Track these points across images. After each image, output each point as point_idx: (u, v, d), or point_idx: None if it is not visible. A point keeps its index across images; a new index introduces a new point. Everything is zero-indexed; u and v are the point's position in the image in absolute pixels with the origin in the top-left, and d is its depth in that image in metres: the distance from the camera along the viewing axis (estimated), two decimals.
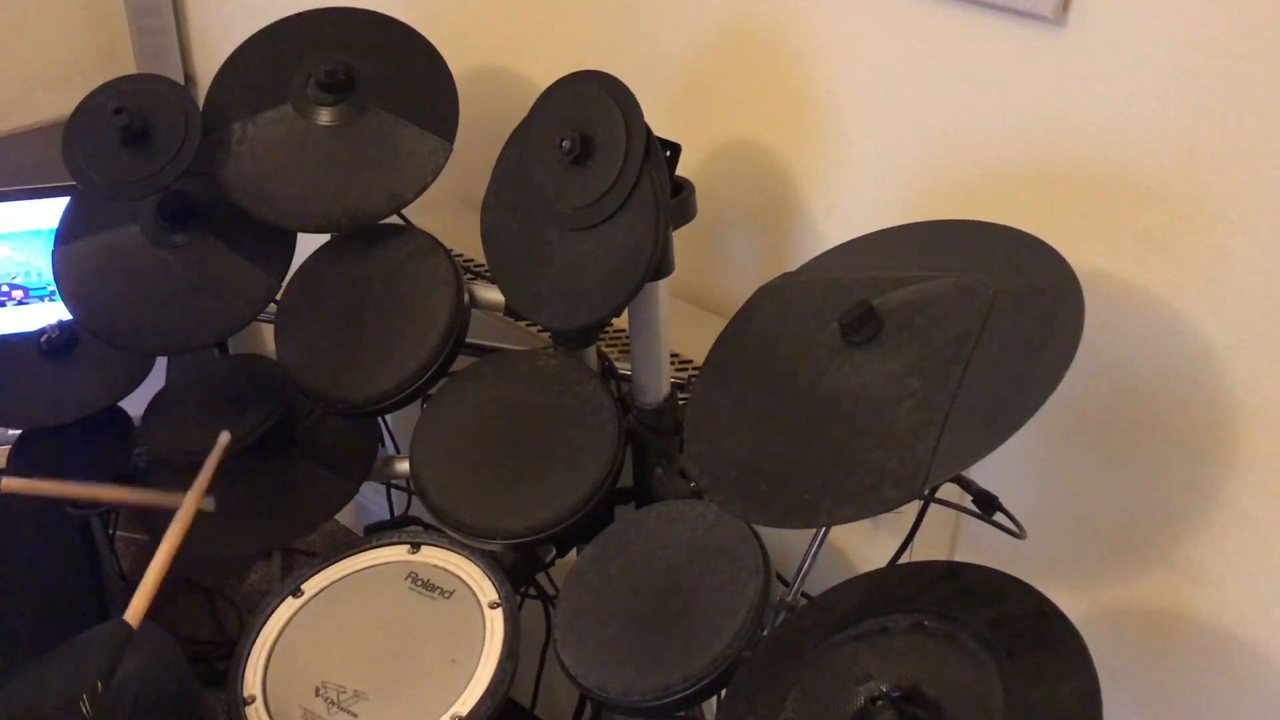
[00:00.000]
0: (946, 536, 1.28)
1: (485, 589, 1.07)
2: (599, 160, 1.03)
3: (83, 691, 0.88)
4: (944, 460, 0.83)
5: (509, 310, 1.20)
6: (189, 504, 1.05)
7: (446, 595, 1.07)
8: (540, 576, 1.20)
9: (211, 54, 1.96)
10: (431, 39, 1.24)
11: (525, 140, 1.12)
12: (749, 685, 0.91)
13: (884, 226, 1.07)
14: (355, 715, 0.98)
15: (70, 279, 1.21)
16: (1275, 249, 0.98)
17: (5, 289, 1.69)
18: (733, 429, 0.98)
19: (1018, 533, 0.98)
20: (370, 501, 1.87)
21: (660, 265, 1.04)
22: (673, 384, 1.16)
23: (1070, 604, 0.83)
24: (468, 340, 1.18)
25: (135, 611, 0.95)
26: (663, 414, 1.15)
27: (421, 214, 1.23)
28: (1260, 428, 1.04)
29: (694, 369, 1.26)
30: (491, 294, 1.19)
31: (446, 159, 1.18)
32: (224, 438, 1.12)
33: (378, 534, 1.14)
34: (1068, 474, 1.19)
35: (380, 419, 1.25)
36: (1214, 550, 1.11)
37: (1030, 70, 1.06)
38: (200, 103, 1.20)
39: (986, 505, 0.99)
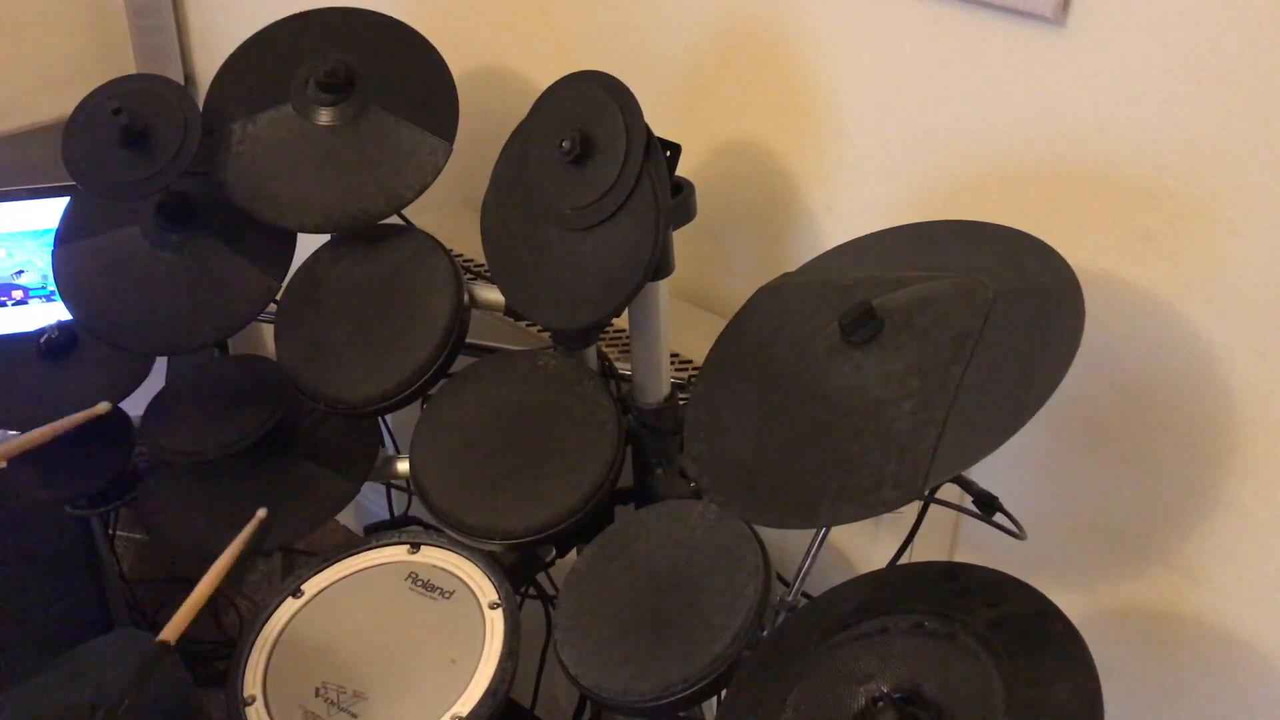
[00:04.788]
0: (946, 537, 1.28)
1: (485, 589, 1.07)
2: (599, 160, 1.03)
3: (105, 706, 0.90)
4: (944, 461, 0.83)
5: (509, 310, 1.20)
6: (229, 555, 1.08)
7: (446, 595, 1.07)
8: (540, 576, 1.20)
9: (211, 54, 1.96)
10: (431, 39, 1.24)
11: (525, 140, 1.12)
12: (749, 685, 0.91)
13: (884, 226, 1.07)
14: (355, 715, 0.98)
15: (70, 279, 1.21)
16: (1275, 249, 0.98)
17: (5, 289, 1.69)
18: (733, 429, 0.98)
19: (1018, 533, 0.98)
20: (370, 501, 1.87)
21: (660, 265, 1.04)
22: (673, 384, 1.16)
23: (1070, 604, 0.83)
24: (468, 340, 1.18)
25: (175, 629, 0.98)
26: (663, 414, 1.15)
27: (421, 214, 1.23)
28: (1260, 428, 1.04)
29: (694, 369, 1.26)
30: (491, 294, 1.19)
31: (446, 159, 1.18)
32: (261, 513, 1.14)
33: (378, 534, 1.14)
34: (1068, 474, 1.19)
35: (380, 419, 1.25)
36: (1214, 550, 1.11)
37: (1030, 70, 1.06)
38: (200, 103, 1.20)
39: (986, 506, 0.99)
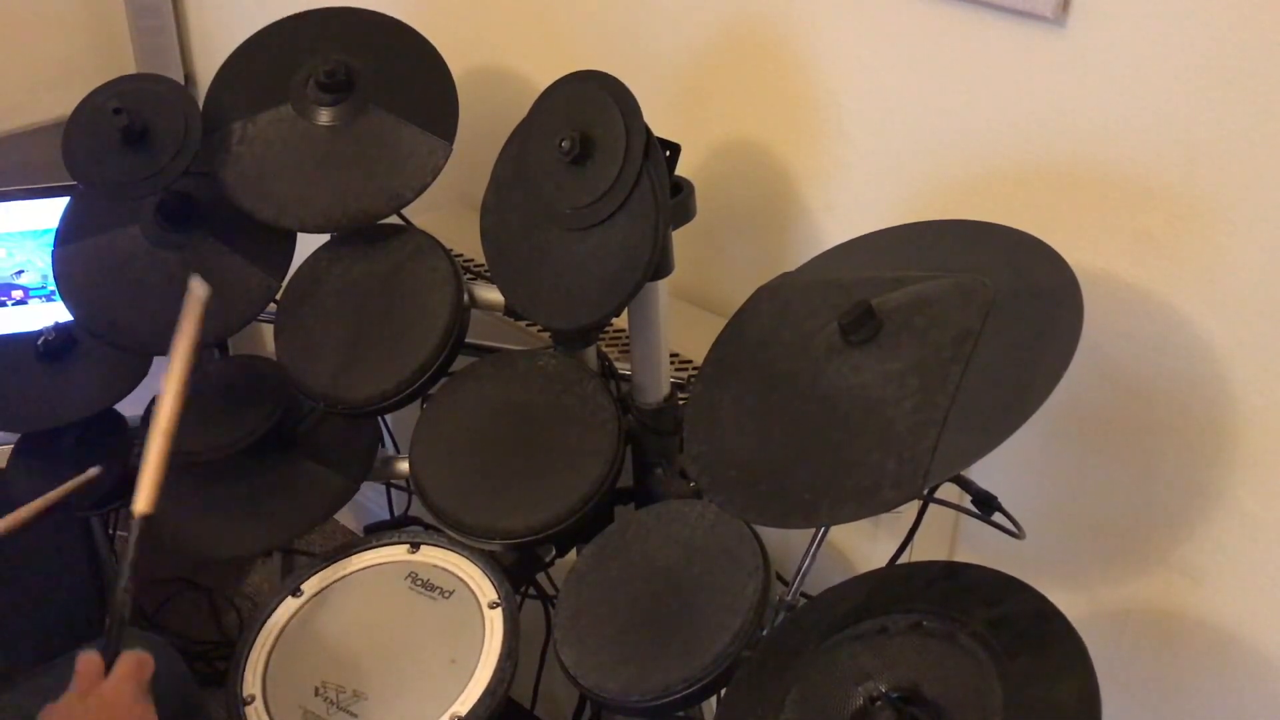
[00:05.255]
0: (946, 536, 1.28)
1: (485, 589, 1.07)
2: (599, 160, 1.03)
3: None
4: (943, 460, 0.83)
5: (509, 310, 1.20)
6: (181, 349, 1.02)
7: (446, 595, 1.07)
8: (540, 576, 1.20)
9: (211, 54, 1.96)
10: (431, 39, 1.24)
11: (525, 140, 1.12)
12: (749, 685, 0.91)
13: (884, 226, 1.07)
14: (355, 715, 0.98)
15: (70, 279, 1.21)
16: (1275, 249, 0.98)
17: (5, 289, 1.69)
18: (733, 429, 0.98)
19: (1017, 533, 0.98)
20: (370, 501, 1.87)
21: (660, 265, 1.04)
22: (673, 384, 1.16)
23: (1070, 604, 0.83)
24: (468, 340, 1.18)
25: (146, 499, 0.96)
26: (663, 414, 1.15)
27: (421, 214, 1.23)
28: (1260, 428, 1.04)
29: (694, 369, 1.26)
30: (491, 294, 1.19)
31: (446, 159, 1.18)
32: (196, 285, 1.06)
33: (378, 534, 1.14)
34: (1067, 474, 1.19)
35: (380, 419, 1.25)
36: (1214, 550, 1.11)
37: (1030, 70, 1.06)
38: (200, 103, 1.20)
39: (986, 505, 0.99)
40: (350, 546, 1.13)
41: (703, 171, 1.35)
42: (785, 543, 1.09)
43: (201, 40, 1.98)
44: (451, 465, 1.12)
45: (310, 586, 1.10)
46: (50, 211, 1.63)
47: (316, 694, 1.00)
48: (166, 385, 1.01)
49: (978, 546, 1.26)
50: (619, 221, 1.02)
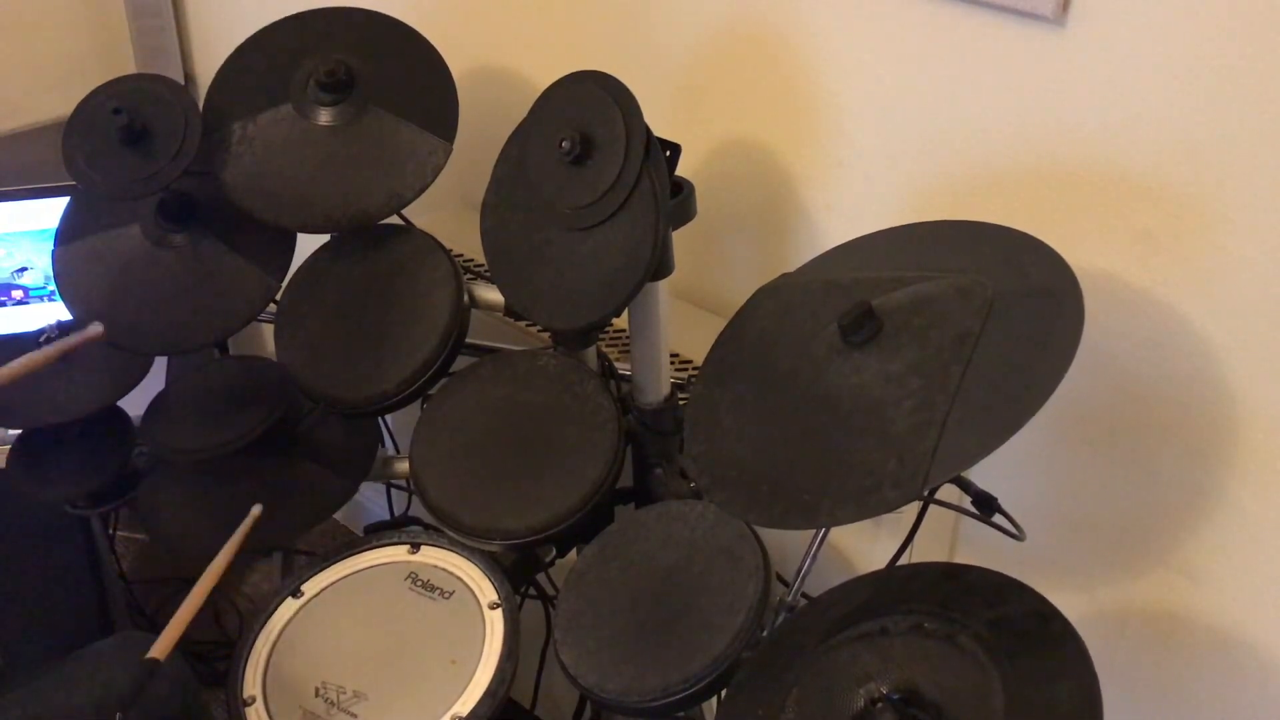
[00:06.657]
0: (946, 537, 1.28)
1: (485, 589, 1.07)
2: (599, 160, 1.03)
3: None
4: (944, 461, 0.83)
5: (509, 310, 1.20)
6: (223, 558, 1.05)
7: (446, 595, 1.07)
8: (540, 576, 1.20)
9: (211, 54, 1.96)
10: (431, 39, 1.24)
11: (525, 140, 1.12)
12: (749, 686, 0.91)
13: (884, 226, 1.07)
14: (355, 715, 0.98)
15: (70, 279, 1.21)
16: (1275, 249, 0.98)
17: (6, 289, 1.69)
18: (733, 429, 0.98)
19: (1017, 534, 0.98)
20: (370, 501, 1.87)
21: (660, 265, 1.04)
22: (673, 384, 1.16)
23: (1070, 604, 0.83)
24: (468, 340, 1.18)
25: (163, 648, 0.95)
26: (663, 414, 1.15)
27: (421, 214, 1.23)
28: (1260, 428, 1.04)
29: (694, 369, 1.26)
30: (491, 294, 1.19)
31: (446, 159, 1.18)
32: (256, 510, 1.11)
33: (378, 534, 1.14)
34: (1067, 474, 1.19)
35: (380, 419, 1.25)
36: (1214, 550, 1.11)
37: (1030, 70, 1.06)
38: (200, 103, 1.20)
39: (985, 506, 0.99)
40: (350, 546, 1.13)
41: (703, 171, 1.35)
42: (785, 543, 1.09)
43: (201, 40, 1.98)
44: (451, 465, 1.12)
45: (310, 586, 1.10)
46: (50, 211, 1.63)
47: (316, 694, 1.00)
48: (212, 566, 1.03)
49: (978, 547, 1.26)
50: (619, 221, 1.02)
